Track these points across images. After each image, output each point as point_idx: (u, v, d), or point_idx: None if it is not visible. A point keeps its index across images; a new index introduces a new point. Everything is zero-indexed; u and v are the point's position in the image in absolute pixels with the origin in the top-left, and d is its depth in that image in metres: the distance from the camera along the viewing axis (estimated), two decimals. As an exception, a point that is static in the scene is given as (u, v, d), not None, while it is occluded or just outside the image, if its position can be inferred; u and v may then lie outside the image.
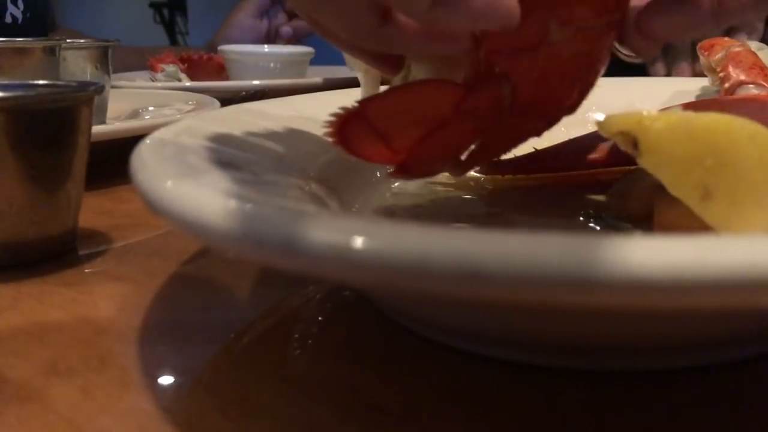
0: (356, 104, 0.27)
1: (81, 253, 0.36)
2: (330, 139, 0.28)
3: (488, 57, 0.28)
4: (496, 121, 0.30)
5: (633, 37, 0.29)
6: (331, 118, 0.28)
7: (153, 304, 0.30)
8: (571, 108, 0.32)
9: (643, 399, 0.22)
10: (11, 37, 0.49)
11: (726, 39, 0.50)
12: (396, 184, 0.39)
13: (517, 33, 0.25)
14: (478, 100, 0.28)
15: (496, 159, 0.38)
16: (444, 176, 0.41)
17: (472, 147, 0.32)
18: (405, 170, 0.30)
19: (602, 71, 0.32)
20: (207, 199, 0.19)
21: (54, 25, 1.14)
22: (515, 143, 0.34)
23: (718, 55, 0.48)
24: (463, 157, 0.32)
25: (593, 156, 0.36)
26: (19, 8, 0.92)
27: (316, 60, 1.05)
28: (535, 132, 0.33)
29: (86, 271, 0.35)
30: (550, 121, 0.33)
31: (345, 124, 0.28)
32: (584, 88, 0.32)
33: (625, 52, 0.31)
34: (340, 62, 1.26)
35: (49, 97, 0.34)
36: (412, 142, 0.29)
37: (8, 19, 0.91)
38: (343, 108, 0.27)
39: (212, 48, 1.09)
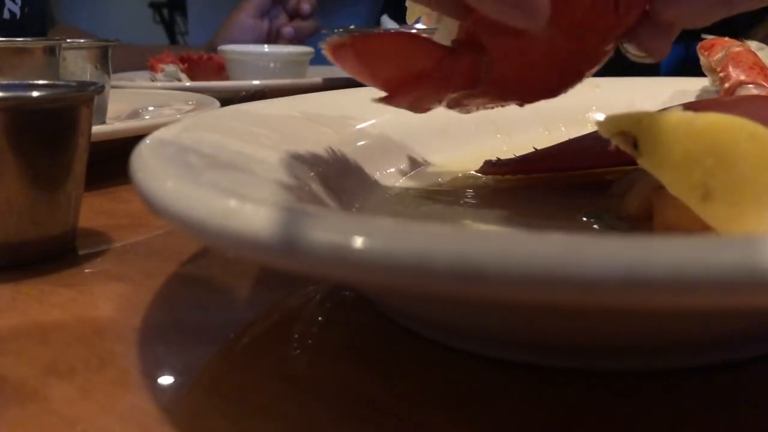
0: (352, 35, 0.30)
1: (81, 253, 0.36)
2: (326, 53, 0.30)
3: (475, 28, 0.30)
4: (471, 86, 0.31)
5: (644, 30, 0.29)
6: (330, 38, 0.30)
7: (153, 304, 0.30)
8: (551, 93, 0.33)
9: (644, 399, 0.22)
10: (9, 34, 0.49)
11: (726, 39, 0.50)
12: (396, 184, 0.39)
13: None
14: (454, 64, 0.30)
15: (495, 159, 0.38)
16: (444, 176, 0.41)
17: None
18: (388, 100, 0.32)
19: (595, 69, 0.32)
20: (207, 199, 0.19)
21: (53, 22, 1.14)
22: (493, 104, 0.34)
23: (718, 55, 0.48)
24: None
25: (593, 156, 0.36)
26: (17, 4, 0.92)
27: (316, 60, 1.05)
28: (513, 102, 0.33)
29: (86, 271, 0.35)
30: (524, 100, 0.33)
31: (337, 47, 0.30)
32: (569, 80, 0.32)
33: (633, 52, 0.31)
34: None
35: (49, 97, 0.34)
36: (393, 82, 0.31)
37: (6, 15, 0.90)
38: (345, 32, 0.29)
39: (212, 48, 1.09)
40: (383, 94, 0.32)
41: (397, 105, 0.33)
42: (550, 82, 0.32)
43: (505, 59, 0.30)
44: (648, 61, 0.31)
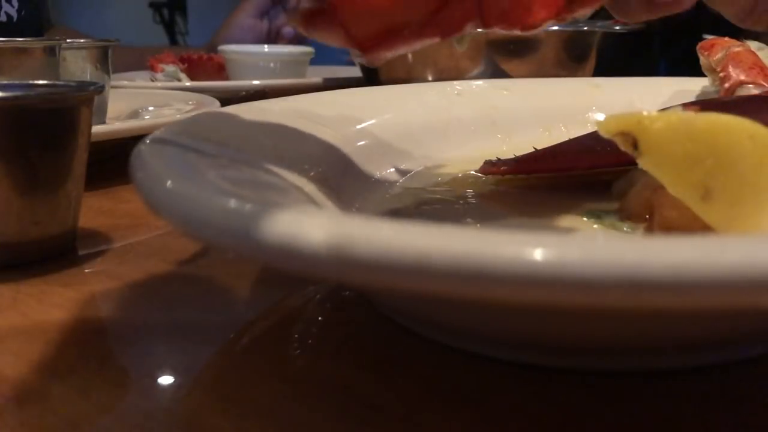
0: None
1: (81, 253, 0.36)
2: (292, 20, 0.29)
3: None
4: (462, 30, 0.30)
5: None
6: (302, 7, 0.28)
7: (153, 304, 0.30)
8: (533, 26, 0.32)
9: (644, 399, 0.22)
10: (6, 36, 0.49)
11: (726, 39, 0.50)
12: (396, 184, 0.39)
13: None
14: (452, 14, 0.29)
15: (495, 159, 0.38)
16: (444, 176, 0.41)
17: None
18: (366, 56, 0.30)
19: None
20: (207, 199, 0.19)
21: (50, 24, 1.14)
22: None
23: (718, 55, 0.48)
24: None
25: (593, 156, 0.36)
26: (13, 6, 0.92)
27: (316, 60, 1.05)
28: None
29: (86, 271, 0.35)
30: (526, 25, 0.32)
31: (313, 12, 0.28)
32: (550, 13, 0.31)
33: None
34: (340, 62, 1.26)
35: (49, 97, 0.34)
36: (376, 39, 0.29)
37: (2, 18, 0.90)
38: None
39: (212, 48, 1.09)
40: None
41: (374, 62, 0.31)
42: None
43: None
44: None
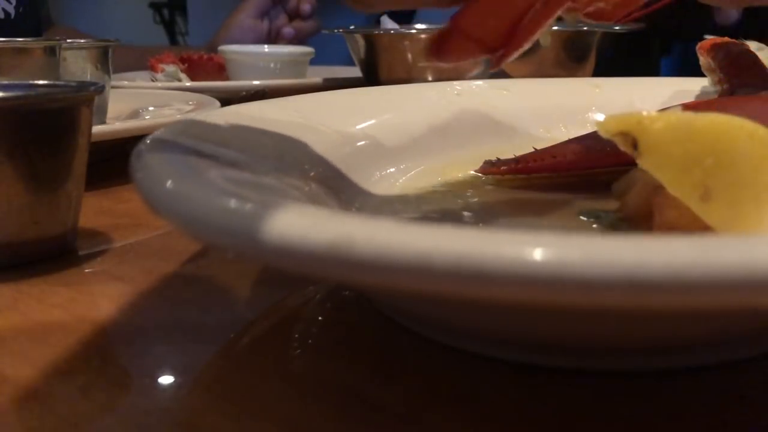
0: (449, 23, 0.30)
1: (81, 253, 0.36)
2: (427, 58, 0.31)
3: None
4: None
5: None
6: (428, 38, 0.31)
7: (153, 304, 0.30)
8: None
9: (643, 399, 0.22)
10: (2, 33, 0.49)
11: (726, 39, 0.50)
12: (396, 184, 0.39)
13: None
14: None
15: (495, 159, 0.38)
16: (444, 176, 0.41)
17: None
18: (501, 58, 0.32)
19: None
20: (207, 199, 0.19)
21: (50, 23, 1.14)
22: None
23: (718, 55, 0.48)
24: None
25: (593, 156, 0.36)
26: (11, 3, 0.92)
27: (316, 60, 1.05)
28: None
29: (86, 271, 0.35)
30: None
31: (441, 40, 0.30)
32: None
33: None
34: (340, 62, 1.26)
35: (49, 97, 0.34)
36: (506, 33, 0.31)
37: (0, 15, 0.90)
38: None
39: (212, 48, 1.09)
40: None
41: (507, 57, 0.32)
42: None
43: None
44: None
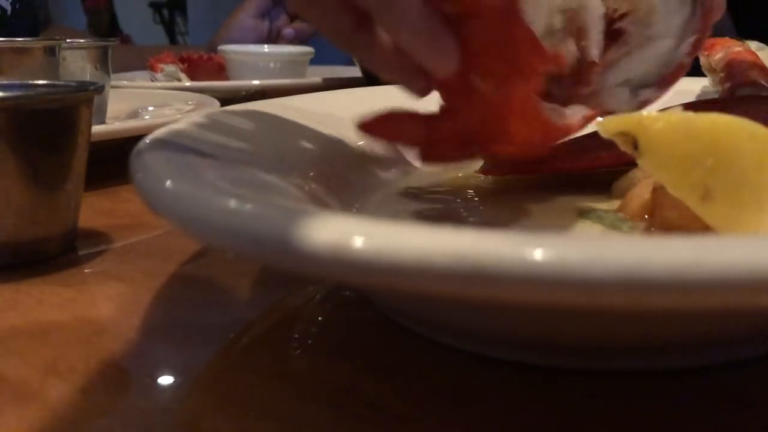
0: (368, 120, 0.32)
1: (81, 253, 0.36)
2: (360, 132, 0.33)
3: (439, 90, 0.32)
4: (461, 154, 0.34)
5: None
6: (360, 121, 0.32)
7: (153, 304, 0.30)
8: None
9: (644, 399, 0.22)
10: None
11: (726, 39, 0.50)
12: (396, 184, 0.39)
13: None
14: (439, 131, 0.33)
15: (495, 159, 0.38)
16: (444, 176, 0.41)
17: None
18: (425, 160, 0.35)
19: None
20: (207, 199, 0.19)
21: (48, 21, 1.13)
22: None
23: (718, 55, 0.48)
24: None
25: (593, 156, 0.36)
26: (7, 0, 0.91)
27: (316, 60, 1.05)
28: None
29: (86, 271, 0.35)
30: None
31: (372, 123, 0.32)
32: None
33: None
34: (340, 62, 1.26)
35: (49, 97, 0.34)
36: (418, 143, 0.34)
37: None
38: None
39: (212, 48, 1.09)
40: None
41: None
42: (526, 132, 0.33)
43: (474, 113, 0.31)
44: None
